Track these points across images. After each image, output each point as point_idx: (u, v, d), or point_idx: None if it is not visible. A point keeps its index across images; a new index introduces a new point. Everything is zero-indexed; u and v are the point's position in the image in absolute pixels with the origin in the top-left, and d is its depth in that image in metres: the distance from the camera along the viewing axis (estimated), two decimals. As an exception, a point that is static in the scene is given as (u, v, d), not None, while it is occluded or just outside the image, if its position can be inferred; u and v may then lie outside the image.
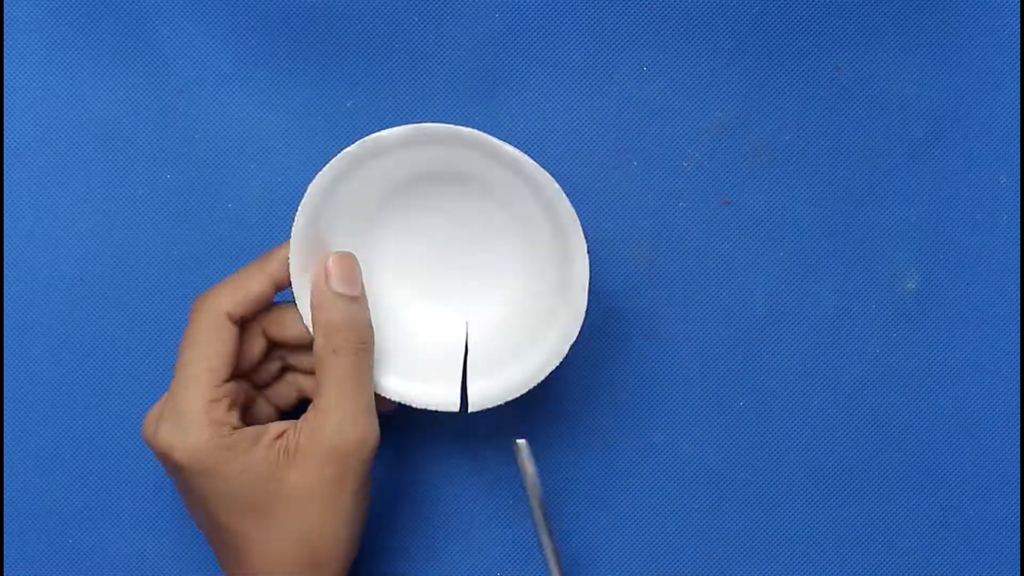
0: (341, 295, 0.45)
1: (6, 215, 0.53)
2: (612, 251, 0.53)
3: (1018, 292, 0.53)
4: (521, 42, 0.54)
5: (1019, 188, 0.53)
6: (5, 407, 0.53)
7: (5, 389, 0.53)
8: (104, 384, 0.53)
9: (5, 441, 0.53)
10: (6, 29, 0.53)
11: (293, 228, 0.46)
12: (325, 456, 0.43)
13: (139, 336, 0.53)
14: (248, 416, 0.47)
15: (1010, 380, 0.53)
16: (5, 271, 0.53)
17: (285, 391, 0.49)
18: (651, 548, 0.53)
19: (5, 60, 0.53)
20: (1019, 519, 0.53)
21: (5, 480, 0.52)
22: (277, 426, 0.44)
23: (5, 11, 0.53)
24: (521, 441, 0.46)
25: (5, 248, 0.53)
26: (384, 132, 0.45)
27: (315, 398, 0.44)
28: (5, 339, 0.53)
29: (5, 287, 0.53)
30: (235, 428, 0.44)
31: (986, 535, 0.53)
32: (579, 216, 0.54)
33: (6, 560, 0.52)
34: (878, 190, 0.54)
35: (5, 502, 0.52)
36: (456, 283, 0.50)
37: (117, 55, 0.53)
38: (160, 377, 0.53)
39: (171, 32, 0.53)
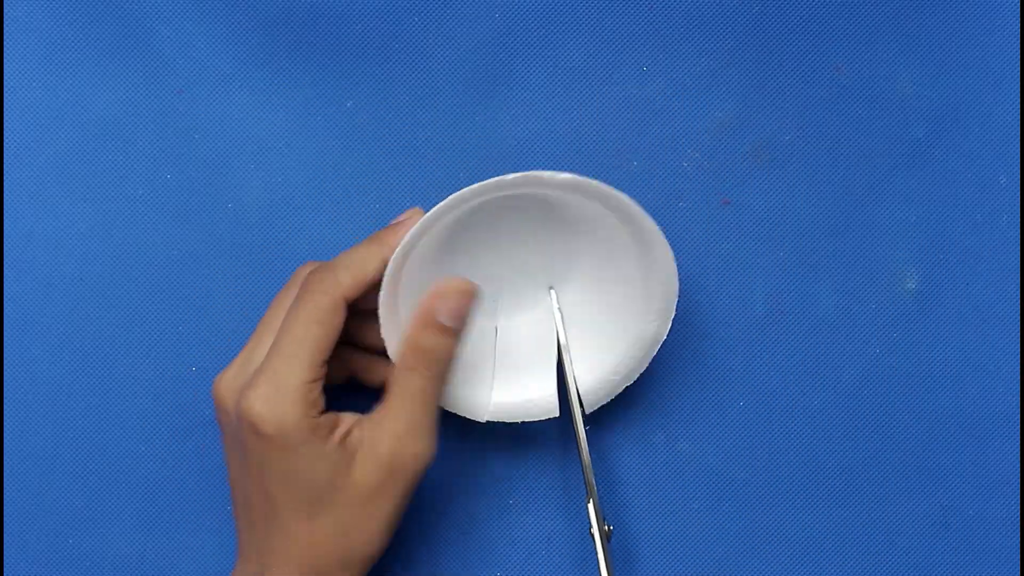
0: (444, 329, 0.45)
1: (6, 215, 0.53)
2: (612, 251, 0.53)
3: (1018, 292, 0.53)
4: (521, 42, 0.54)
5: (1019, 188, 0.53)
6: (5, 407, 0.53)
7: (5, 389, 0.53)
8: (104, 384, 0.53)
9: (5, 441, 0.53)
10: (6, 29, 0.53)
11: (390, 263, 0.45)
12: (382, 462, 0.44)
13: (139, 336, 0.53)
14: None
15: (1010, 380, 0.53)
16: (5, 271, 0.53)
17: (337, 369, 0.49)
18: (651, 548, 0.53)
19: (5, 60, 0.53)
20: (1019, 519, 0.53)
21: (5, 480, 0.52)
22: (348, 418, 0.45)
23: (5, 11, 0.53)
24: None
25: (5, 248, 0.53)
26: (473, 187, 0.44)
27: (384, 401, 0.45)
28: (5, 339, 0.53)
29: (5, 287, 0.53)
30: (321, 412, 0.44)
31: (986, 535, 0.53)
32: (579, 216, 0.54)
33: (6, 560, 0.52)
34: (878, 190, 0.54)
35: (5, 502, 0.52)
36: (535, 291, 0.51)
37: (117, 55, 0.53)
38: (160, 377, 0.53)
39: (171, 32, 0.53)
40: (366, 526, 0.44)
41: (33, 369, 0.53)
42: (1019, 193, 0.53)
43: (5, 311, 0.53)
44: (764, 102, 0.54)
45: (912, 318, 0.53)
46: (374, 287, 0.45)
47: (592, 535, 0.47)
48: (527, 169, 0.54)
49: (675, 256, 0.54)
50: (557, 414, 0.49)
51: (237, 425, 0.45)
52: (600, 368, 0.49)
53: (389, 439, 0.44)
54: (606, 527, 0.47)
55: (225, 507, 0.53)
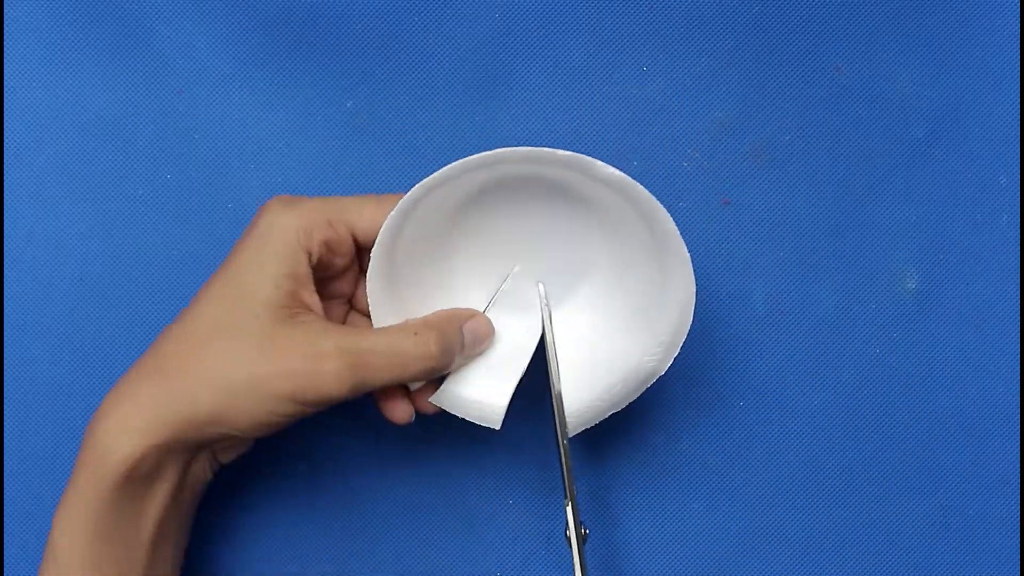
0: (459, 353, 0.45)
1: (6, 215, 0.53)
2: (612, 251, 0.53)
3: (1018, 292, 0.53)
4: (521, 42, 0.54)
5: (1019, 188, 0.53)
6: (5, 407, 0.53)
7: (5, 389, 0.53)
8: (104, 384, 0.53)
9: (5, 441, 0.53)
10: (6, 29, 0.53)
11: (376, 245, 0.44)
12: (306, 359, 0.42)
13: (139, 336, 0.53)
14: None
15: (1010, 380, 0.53)
16: (5, 271, 0.53)
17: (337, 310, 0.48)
18: (651, 547, 0.53)
19: (5, 60, 0.53)
20: (1019, 519, 0.53)
21: (5, 480, 0.52)
22: (317, 301, 0.44)
23: (5, 11, 0.53)
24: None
25: (5, 248, 0.53)
26: (464, 161, 0.43)
27: (363, 329, 0.43)
28: (5, 339, 0.53)
29: (5, 287, 0.53)
30: (308, 251, 0.43)
31: (986, 535, 0.53)
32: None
33: (6, 560, 0.52)
34: (878, 190, 0.54)
35: (5, 502, 0.52)
36: (533, 292, 0.49)
37: (117, 55, 0.53)
38: (160, 377, 0.53)
39: (171, 32, 0.53)
40: (241, 392, 0.41)
41: (33, 369, 0.53)
42: (1019, 193, 0.53)
43: (5, 311, 0.53)
44: (764, 102, 0.54)
45: (912, 318, 0.53)
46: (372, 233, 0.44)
47: (568, 537, 0.46)
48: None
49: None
50: (498, 428, 0.46)
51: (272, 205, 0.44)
52: (588, 389, 0.47)
53: (331, 347, 0.42)
54: (583, 531, 0.46)
55: (226, 506, 0.53)
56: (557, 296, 0.49)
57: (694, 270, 0.53)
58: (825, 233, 0.53)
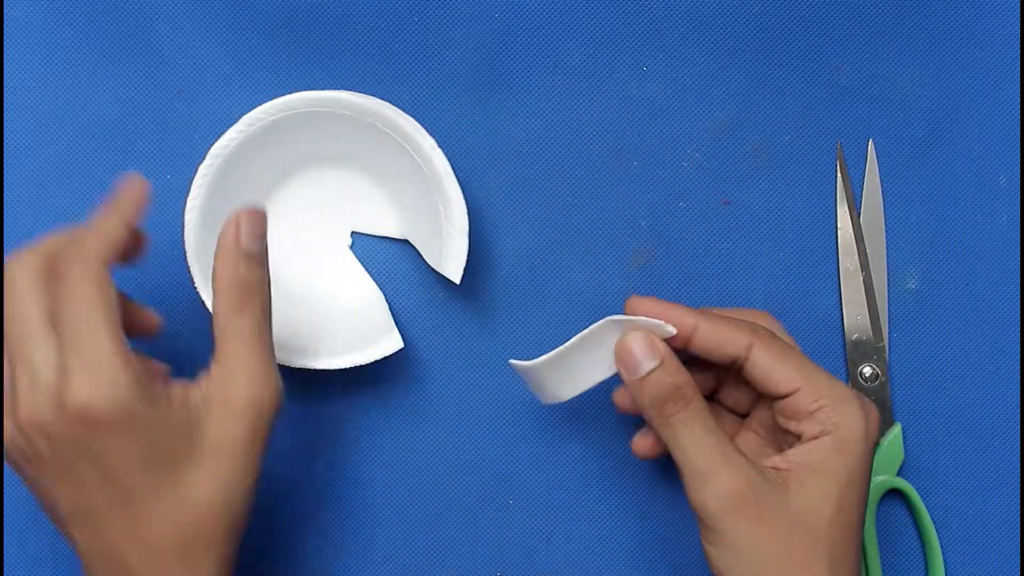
0: (251, 255, 0.42)
1: (6, 215, 0.53)
2: (612, 251, 0.53)
3: (1018, 292, 0.53)
4: (521, 42, 0.54)
5: (1019, 188, 0.53)
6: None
7: (5, 389, 0.53)
8: (104, 384, 0.53)
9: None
10: (6, 29, 0.53)
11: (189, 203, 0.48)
12: (242, 411, 0.41)
13: (139, 337, 0.53)
14: None
15: (1010, 380, 0.53)
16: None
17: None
18: (651, 547, 0.53)
19: (5, 60, 0.53)
20: (1019, 519, 0.53)
21: (5, 480, 0.52)
22: (178, 383, 0.42)
23: (5, 11, 0.53)
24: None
25: (5, 248, 0.53)
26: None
27: (218, 351, 0.42)
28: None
29: (5, 287, 0.53)
30: (143, 377, 0.40)
31: (986, 535, 0.53)
32: (579, 215, 0.54)
33: (6, 560, 0.52)
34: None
35: (5, 502, 0.52)
36: (345, 256, 0.53)
37: (117, 55, 0.53)
38: (160, 377, 0.53)
39: (171, 32, 0.53)
40: (235, 486, 0.41)
41: (33, 369, 0.53)
42: (1019, 193, 0.53)
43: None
44: (764, 102, 0.54)
45: (912, 318, 0.53)
46: (122, 245, 0.43)
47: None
48: (527, 167, 0.54)
49: (675, 256, 0.54)
50: (401, 345, 0.49)
51: (61, 432, 0.39)
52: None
53: (242, 387, 0.41)
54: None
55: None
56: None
57: (695, 269, 0.53)
58: (825, 233, 0.53)
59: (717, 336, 0.43)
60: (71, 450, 0.40)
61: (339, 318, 0.52)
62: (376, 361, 0.49)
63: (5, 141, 0.53)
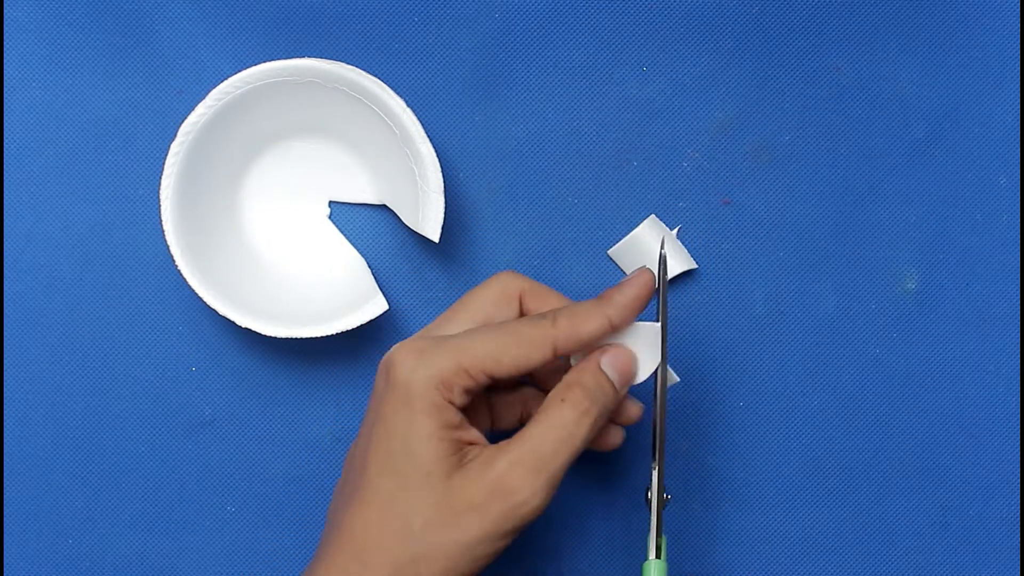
0: (616, 390, 0.43)
1: (6, 215, 0.53)
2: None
3: (1018, 292, 0.53)
4: (521, 42, 0.54)
5: (1019, 188, 0.53)
6: (5, 407, 0.53)
7: (5, 389, 0.53)
8: (104, 384, 0.53)
9: (5, 441, 0.53)
10: (6, 29, 0.53)
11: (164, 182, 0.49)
12: (487, 486, 0.40)
13: (139, 336, 0.53)
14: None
15: (1010, 380, 0.53)
16: (5, 271, 0.53)
17: (509, 407, 0.47)
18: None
19: (5, 60, 0.53)
20: (1019, 519, 0.53)
21: (5, 480, 0.52)
22: (479, 437, 0.42)
23: (5, 11, 0.53)
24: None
25: (5, 248, 0.53)
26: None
27: (521, 431, 0.42)
28: (5, 339, 0.53)
29: (5, 287, 0.53)
30: (455, 407, 0.42)
31: (986, 535, 0.53)
32: (578, 216, 0.54)
33: (6, 560, 0.52)
34: (878, 190, 0.54)
35: (5, 502, 0.52)
36: (324, 226, 0.53)
37: (117, 55, 0.53)
38: (160, 377, 0.53)
39: (171, 32, 0.53)
40: (439, 549, 0.40)
41: (33, 369, 0.53)
42: (1019, 193, 0.53)
43: (5, 311, 0.53)
44: (764, 102, 0.54)
45: (912, 318, 0.53)
46: (593, 340, 0.42)
47: (648, 500, 0.45)
48: (527, 167, 0.54)
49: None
50: (387, 306, 0.49)
51: (377, 375, 0.43)
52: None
53: (507, 465, 0.40)
54: (665, 496, 0.45)
55: (225, 507, 0.53)
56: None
57: (695, 269, 0.53)
58: (825, 233, 0.53)
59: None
60: (374, 392, 0.43)
61: (323, 287, 0.52)
62: (362, 326, 0.49)
63: (5, 141, 0.53)
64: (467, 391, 0.42)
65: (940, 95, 0.54)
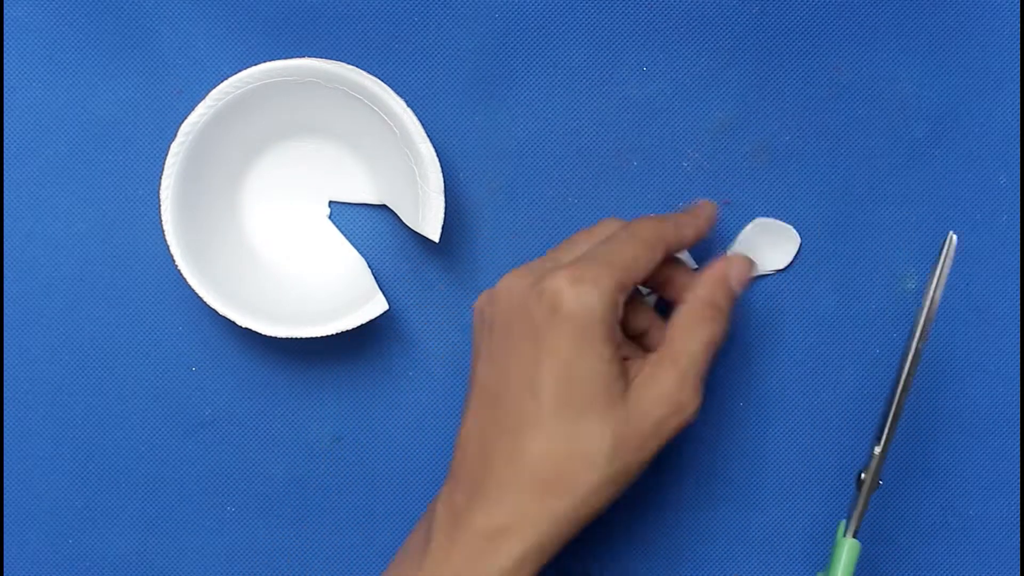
0: (733, 295, 0.46)
1: (6, 215, 0.53)
2: (612, 251, 0.53)
3: (1018, 292, 0.53)
4: (521, 42, 0.54)
5: (1019, 188, 0.53)
6: (5, 407, 0.53)
7: (5, 389, 0.53)
8: (104, 384, 0.53)
9: (5, 441, 0.53)
10: (6, 29, 0.53)
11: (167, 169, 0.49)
12: (663, 399, 0.43)
13: (139, 336, 0.53)
14: None
15: (1010, 380, 0.53)
16: (5, 271, 0.53)
17: (632, 317, 0.48)
18: (651, 547, 0.53)
19: (5, 60, 0.53)
20: (1019, 519, 0.53)
21: (5, 480, 0.52)
22: (630, 345, 0.46)
23: (5, 11, 0.53)
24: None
25: (5, 248, 0.53)
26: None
27: (666, 346, 0.44)
28: (5, 339, 0.53)
29: (5, 287, 0.53)
30: (616, 332, 0.43)
31: (986, 535, 0.53)
32: (579, 215, 0.54)
33: (6, 560, 0.52)
34: (878, 190, 0.54)
35: (5, 502, 0.52)
36: (324, 226, 0.53)
37: (117, 55, 0.53)
38: (160, 377, 0.53)
39: (171, 32, 0.53)
40: (625, 471, 0.42)
41: (33, 369, 0.53)
42: (1019, 193, 0.53)
43: (5, 311, 0.53)
44: (764, 102, 0.54)
45: (912, 318, 0.53)
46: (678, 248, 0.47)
47: (861, 480, 0.46)
48: (527, 167, 0.54)
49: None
50: (386, 306, 0.49)
51: (525, 305, 0.43)
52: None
53: (676, 381, 0.43)
54: (878, 481, 0.46)
55: (225, 507, 0.53)
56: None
57: (694, 270, 0.53)
58: (825, 233, 0.53)
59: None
60: (515, 323, 0.43)
61: (323, 287, 0.52)
62: (362, 326, 0.49)
63: (5, 141, 0.53)
64: (622, 305, 0.44)
65: (940, 95, 0.54)
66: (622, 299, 0.43)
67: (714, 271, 0.46)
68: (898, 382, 0.45)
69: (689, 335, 0.44)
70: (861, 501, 0.46)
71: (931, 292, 0.45)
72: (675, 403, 0.43)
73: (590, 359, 0.42)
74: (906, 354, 0.45)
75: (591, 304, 0.42)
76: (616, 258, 0.43)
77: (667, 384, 0.43)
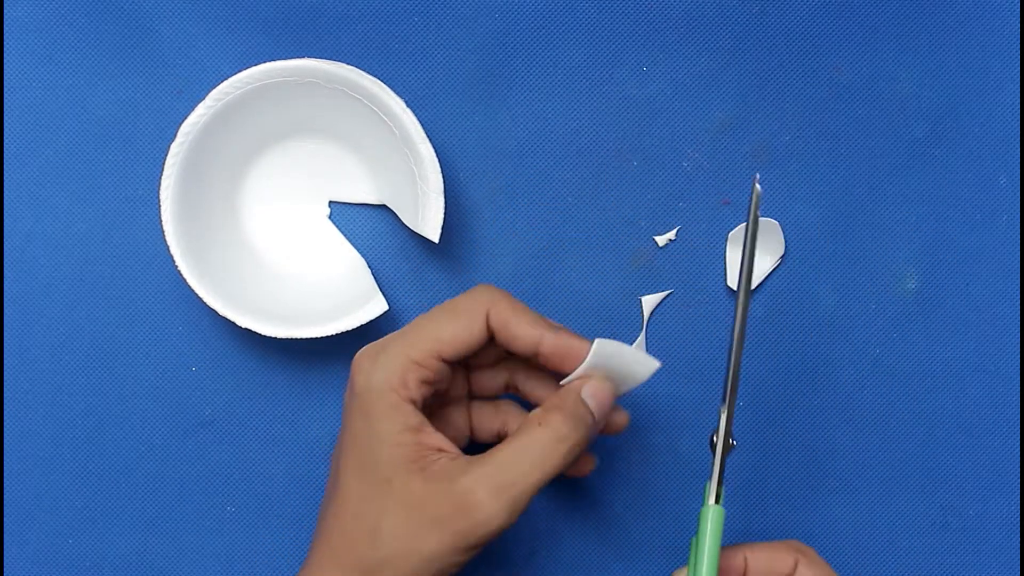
0: (591, 421, 0.43)
1: (6, 215, 0.53)
2: (612, 251, 0.53)
3: (1018, 292, 0.53)
4: (521, 42, 0.54)
5: (1019, 188, 0.53)
6: (5, 407, 0.53)
7: (5, 389, 0.53)
8: (104, 384, 0.53)
9: (5, 441, 0.53)
10: (6, 29, 0.53)
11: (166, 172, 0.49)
12: (449, 496, 0.40)
13: (139, 336, 0.53)
14: (434, 417, 0.45)
15: (1010, 380, 0.53)
16: (5, 271, 0.53)
17: (489, 419, 0.47)
18: (651, 548, 0.53)
19: (5, 60, 0.53)
20: (1019, 519, 0.53)
21: (5, 480, 0.52)
22: (450, 446, 0.42)
23: (5, 11, 0.53)
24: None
25: (5, 248, 0.53)
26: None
27: (493, 448, 0.42)
28: (5, 339, 0.53)
29: (5, 287, 0.53)
30: (412, 401, 0.42)
31: (986, 535, 0.53)
32: (579, 215, 0.54)
33: (6, 560, 0.52)
34: (878, 190, 0.54)
35: (5, 502, 0.52)
36: (324, 226, 0.53)
37: (117, 55, 0.53)
38: (160, 377, 0.53)
39: (171, 32, 0.53)
40: (403, 557, 0.40)
41: (33, 369, 0.53)
42: (1019, 193, 0.53)
43: (5, 311, 0.53)
44: (764, 102, 0.54)
45: (912, 318, 0.53)
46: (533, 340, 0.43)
47: (713, 442, 0.44)
48: (527, 167, 0.54)
49: (675, 256, 0.54)
50: (386, 307, 0.49)
51: (350, 378, 0.44)
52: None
53: (472, 481, 0.40)
54: (731, 441, 0.44)
55: (225, 507, 0.53)
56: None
57: (696, 269, 0.53)
58: (825, 233, 0.53)
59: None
60: (348, 401, 0.44)
61: (323, 288, 0.52)
62: (362, 326, 0.49)
63: (5, 141, 0.53)
64: (424, 382, 0.42)
65: (940, 95, 0.54)
66: (422, 374, 0.42)
67: (569, 387, 0.43)
68: (732, 335, 0.44)
69: (514, 439, 0.42)
70: (717, 465, 0.44)
71: (747, 239, 0.43)
72: (464, 504, 0.40)
73: (374, 438, 0.41)
74: (736, 305, 0.44)
75: (374, 382, 0.42)
76: (419, 335, 0.42)
77: (463, 483, 0.40)
